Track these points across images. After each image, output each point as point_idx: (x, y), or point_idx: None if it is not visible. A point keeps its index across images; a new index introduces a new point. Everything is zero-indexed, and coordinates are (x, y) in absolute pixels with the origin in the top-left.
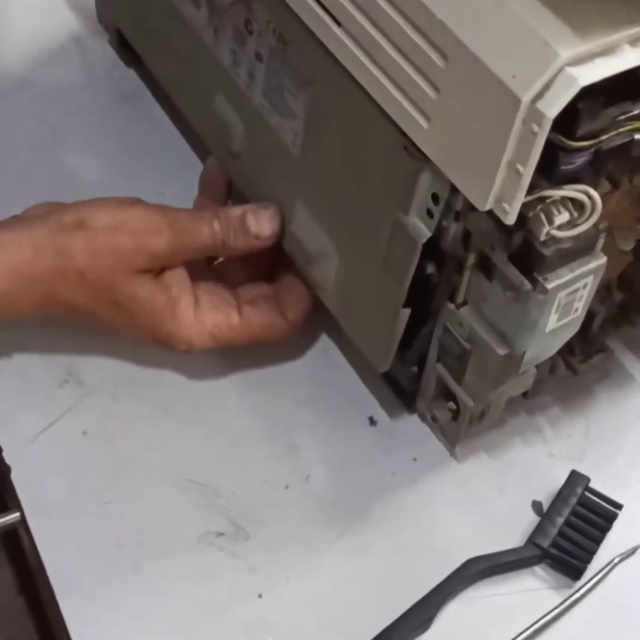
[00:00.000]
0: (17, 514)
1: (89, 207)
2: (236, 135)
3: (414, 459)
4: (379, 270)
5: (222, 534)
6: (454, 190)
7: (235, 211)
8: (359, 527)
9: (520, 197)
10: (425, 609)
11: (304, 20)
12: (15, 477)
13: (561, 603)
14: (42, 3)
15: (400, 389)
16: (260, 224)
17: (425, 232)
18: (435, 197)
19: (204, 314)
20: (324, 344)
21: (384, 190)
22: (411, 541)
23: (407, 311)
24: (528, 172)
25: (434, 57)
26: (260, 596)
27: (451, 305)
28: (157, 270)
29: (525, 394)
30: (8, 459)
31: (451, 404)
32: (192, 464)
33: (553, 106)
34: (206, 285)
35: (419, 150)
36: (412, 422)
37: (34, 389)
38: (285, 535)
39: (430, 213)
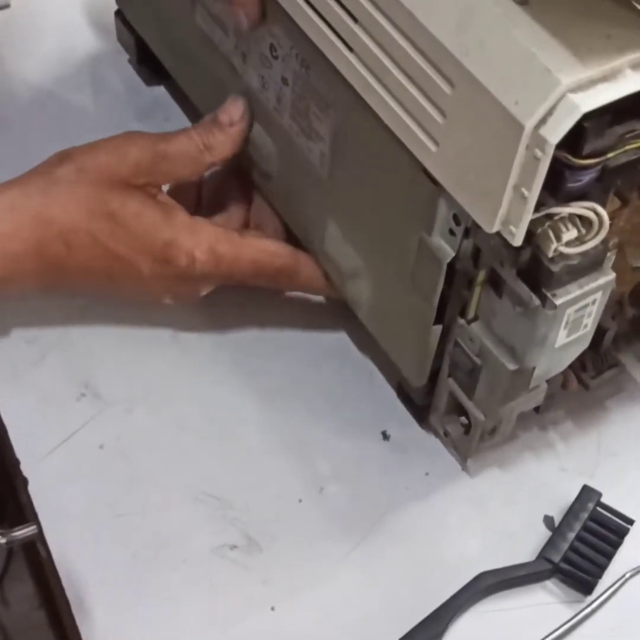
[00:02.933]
0: (34, 527)
1: (72, 147)
2: (268, 156)
3: (427, 474)
4: (408, 289)
5: (235, 546)
6: None
7: (206, 117)
8: (371, 541)
9: (526, 220)
10: (437, 623)
11: (317, 46)
12: (32, 490)
13: (572, 617)
14: (62, 23)
15: (413, 403)
16: (229, 112)
17: (449, 252)
18: (456, 218)
19: (202, 225)
20: (339, 359)
21: (407, 212)
22: (423, 555)
23: (438, 328)
24: (533, 196)
25: (441, 83)
26: (272, 608)
27: (462, 321)
28: (146, 187)
29: (537, 409)
30: (25, 471)
31: (463, 419)
32: (206, 477)
33: (555, 132)
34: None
35: None
36: (424, 437)
37: (51, 402)
38: (298, 548)
39: (452, 233)
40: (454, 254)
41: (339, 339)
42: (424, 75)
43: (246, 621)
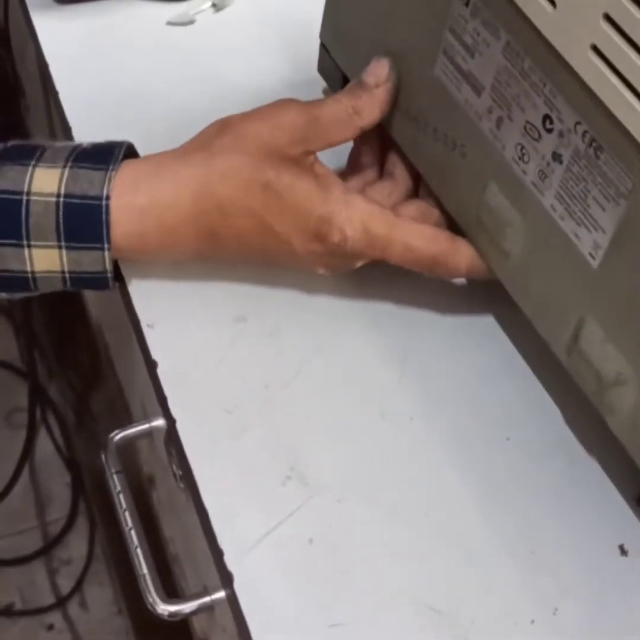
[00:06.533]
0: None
1: (229, 116)
2: (512, 233)
3: None
4: None
5: None
6: None
7: (351, 82)
8: None
9: None
10: None
11: (633, 133)
12: (237, 588)
13: None
14: (250, 43)
15: None
16: (374, 74)
17: None
18: None
19: (356, 201)
20: (567, 456)
21: None
22: None
23: None
24: None
25: None
26: None
27: None
28: (302, 158)
29: None
30: (229, 564)
31: None
32: (428, 584)
33: None
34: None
35: None
36: None
37: (253, 485)
38: None
39: None
40: None
41: (566, 436)
42: None
43: None
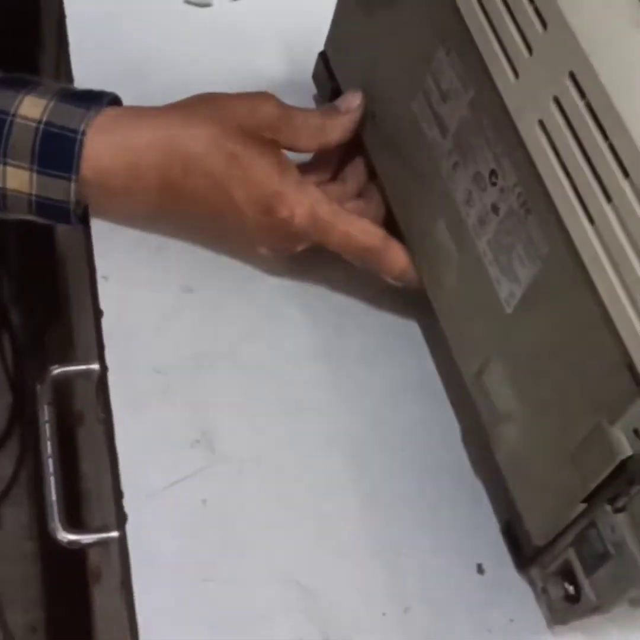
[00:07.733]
0: None
1: (213, 92)
2: (448, 268)
3: (511, 620)
4: (564, 459)
5: None
6: None
7: (326, 104)
8: None
9: None
10: None
11: (557, 206)
12: (128, 528)
13: None
14: (260, 36)
15: (517, 547)
16: (347, 101)
17: (626, 450)
18: None
19: (308, 187)
20: (453, 476)
21: (593, 393)
22: None
23: (582, 506)
24: None
25: None
26: None
27: (608, 507)
28: (271, 143)
29: None
30: (126, 506)
31: (570, 589)
32: (299, 563)
33: None
34: None
35: None
36: (518, 581)
37: (164, 441)
38: None
39: (637, 433)
40: (630, 454)
41: (457, 457)
42: None
43: None
